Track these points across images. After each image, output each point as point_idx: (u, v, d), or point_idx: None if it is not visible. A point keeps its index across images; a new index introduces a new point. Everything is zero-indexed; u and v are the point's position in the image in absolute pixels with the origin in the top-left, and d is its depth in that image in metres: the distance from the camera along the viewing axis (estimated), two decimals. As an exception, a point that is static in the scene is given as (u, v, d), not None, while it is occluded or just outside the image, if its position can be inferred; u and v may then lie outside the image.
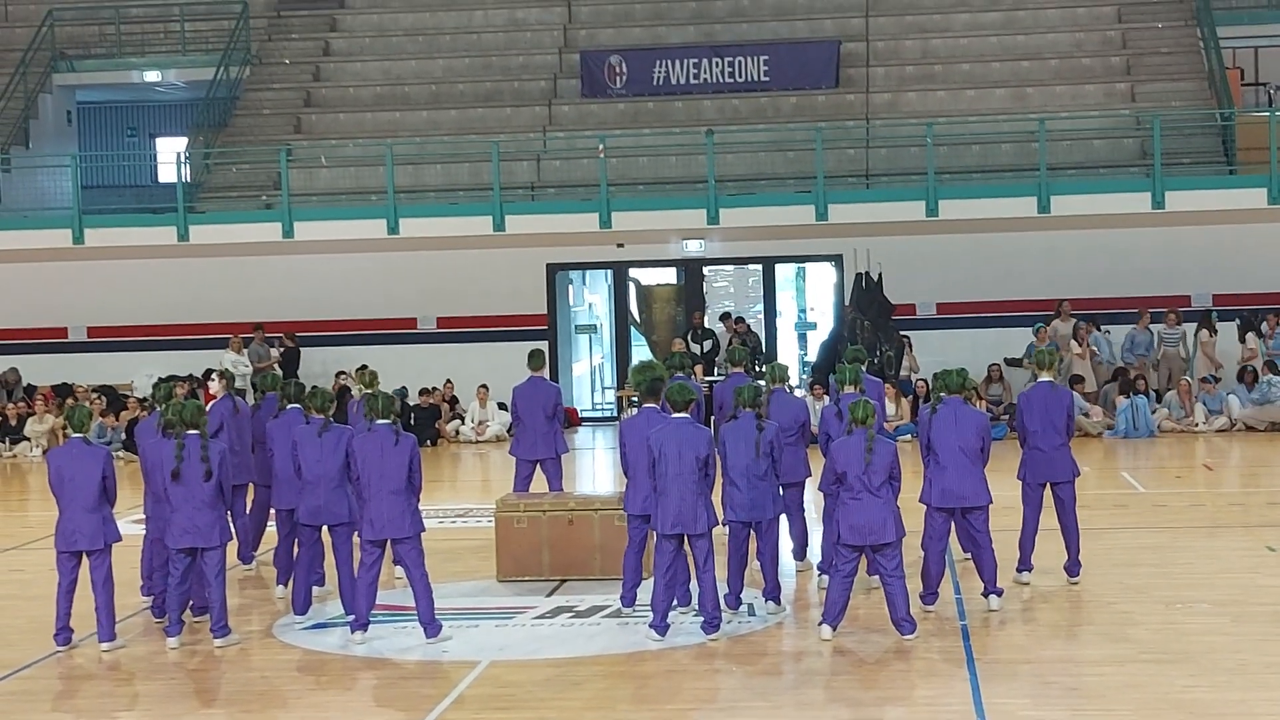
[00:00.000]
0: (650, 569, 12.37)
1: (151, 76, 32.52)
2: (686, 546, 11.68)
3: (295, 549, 12.98)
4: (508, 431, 23.85)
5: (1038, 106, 27.63)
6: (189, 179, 27.86)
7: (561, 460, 15.97)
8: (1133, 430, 23.71)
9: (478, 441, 25.52)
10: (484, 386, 25.74)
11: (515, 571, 13.78)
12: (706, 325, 27.24)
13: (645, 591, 12.21)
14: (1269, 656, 10.75)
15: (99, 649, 11.73)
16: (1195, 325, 25.45)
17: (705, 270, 28.48)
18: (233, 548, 13.42)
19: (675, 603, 11.90)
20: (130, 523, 15.04)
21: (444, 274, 27.37)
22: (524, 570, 13.75)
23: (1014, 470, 13.28)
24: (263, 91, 30.80)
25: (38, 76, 31.19)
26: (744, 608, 12.33)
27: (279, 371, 24.19)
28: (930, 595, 12.24)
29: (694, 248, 27.16)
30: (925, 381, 23.95)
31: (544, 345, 24.29)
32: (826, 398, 16.41)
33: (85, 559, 11.78)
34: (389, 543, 11.68)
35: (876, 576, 12.04)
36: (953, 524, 12.33)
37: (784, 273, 29.28)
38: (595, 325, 29.81)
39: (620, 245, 27.07)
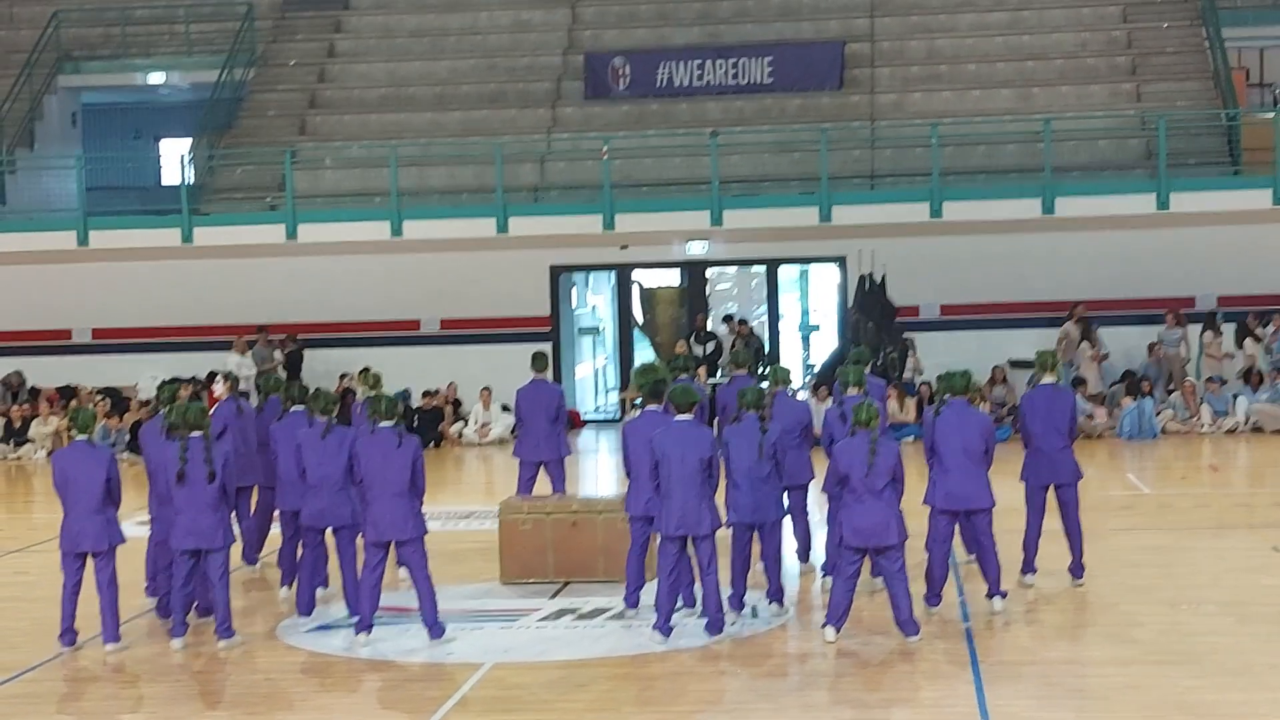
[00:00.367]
0: (654, 571, 12.37)
1: (156, 78, 32.53)
2: (690, 548, 11.68)
3: (299, 551, 12.99)
4: (511, 433, 23.84)
5: (1043, 107, 27.59)
6: (193, 181, 27.85)
7: (565, 462, 15.97)
8: (1137, 432, 23.70)
9: (481, 443, 25.52)
10: (487, 388, 25.73)
11: (519, 573, 13.78)
12: (709, 327, 27.24)
13: (649, 593, 12.21)
14: (1273, 657, 10.75)
15: (103, 651, 11.74)
16: (1200, 327, 25.42)
17: (708, 272, 28.47)
18: (237, 549, 13.45)
19: (679, 605, 11.90)
20: (134, 524, 15.03)
21: (447, 276, 27.36)
22: (528, 572, 13.75)
23: (1018, 472, 13.27)
24: (267, 93, 30.81)
25: (43, 78, 31.20)
26: (748, 610, 12.32)
27: (282, 374, 24.25)
28: (934, 597, 12.23)
29: (697, 249, 27.15)
30: (929, 384, 23.94)
31: (547, 347, 24.37)
32: (830, 399, 16.39)
33: (90, 561, 11.78)
34: (393, 545, 11.68)
35: (880, 579, 12.03)
36: (956, 526, 12.32)
37: (787, 275, 29.27)
38: (598, 327, 29.81)
39: (624, 247, 27.06)
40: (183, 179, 27.13)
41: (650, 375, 12.93)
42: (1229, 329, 25.40)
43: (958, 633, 11.66)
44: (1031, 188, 25.14)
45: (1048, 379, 13.22)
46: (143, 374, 27.17)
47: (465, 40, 31.38)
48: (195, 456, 11.63)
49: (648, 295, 28.69)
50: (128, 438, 24.51)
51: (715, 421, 16.97)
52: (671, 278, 28.75)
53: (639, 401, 12.84)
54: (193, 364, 26.72)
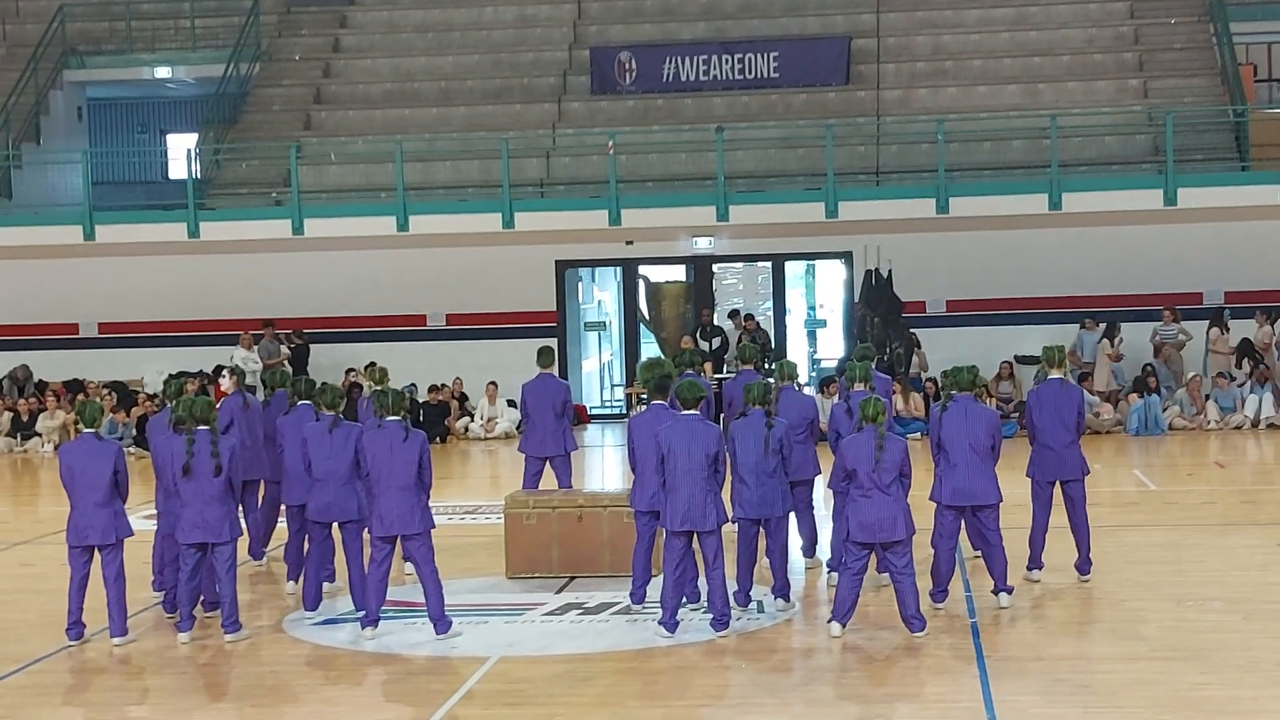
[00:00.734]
0: (659, 566, 12.37)
1: (162, 73, 32.57)
2: (696, 544, 11.67)
3: (306, 545, 13.00)
4: (517, 428, 23.81)
5: (1050, 103, 27.57)
6: (199, 175, 27.89)
7: (571, 457, 15.96)
8: (1144, 429, 23.70)
9: (487, 438, 25.52)
10: (493, 383, 25.75)
11: (525, 568, 13.78)
12: (715, 322, 27.23)
13: (654, 588, 12.20)
14: (1280, 654, 10.74)
15: (110, 643, 11.75)
16: (1207, 323, 25.39)
17: (714, 267, 28.45)
18: (243, 543, 13.46)
19: (684, 600, 11.90)
20: (141, 518, 15.06)
21: (453, 271, 27.37)
22: (533, 567, 13.75)
23: (1024, 468, 13.26)
24: (273, 88, 30.82)
25: (48, 72, 31.22)
26: (753, 605, 12.31)
27: (289, 368, 24.26)
28: (940, 593, 12.22)
29: (703, 245, 27.15)
30: (934, 381, 23.93)
31: (553, 342, 24.35)
32: (836, 395, 16.39)
33: (97, 554, 11.80)
34: (399, 539, 11.69)
35: (886, 574, 12.02)
36: (963, 522, 12.32)
37: (793, 270, 29.25)
38: (604, 322, 29.80)
39: (629, 242, 27.06)
40: (189, 173, 27.15)
41: (656, 370, 12.92)
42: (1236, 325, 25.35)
43: (964, 628, 11.65)
44: (1038, 183, 25.13)
45: (1054, 374, 13.21)
46: (149, 368, 27.20)
47: (470, 35, 31.38)
48: (202, 450, 11.64)
49: (654, 290, 28.68)
50: (134, 432, 24.53)
51: (721, 417, 16.96)
52: (677, 273, 28.73)
53: (645, 397, 12.85)
54: (199, 358, 26.75)
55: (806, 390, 16.66)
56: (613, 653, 11.33)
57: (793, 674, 10.91)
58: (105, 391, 26.23)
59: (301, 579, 13.02)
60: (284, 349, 26.52)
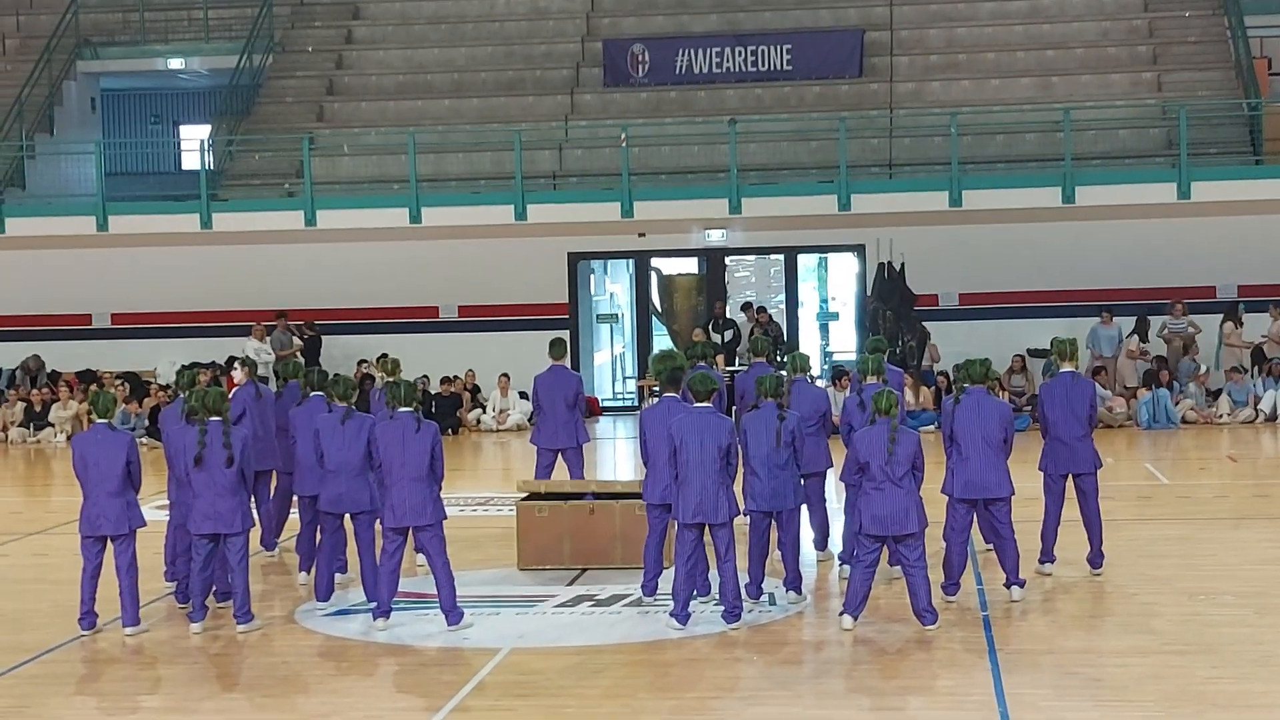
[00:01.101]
0: (671, 558, 12.38)
1: (175, 64, 32.59)
2: (707, 536, 11.67)
3: (318, 536, 13.02)
4: (529, 420, 23.88)
5: (1063, 96, 27.52)
6: (212, 166, 27.93)
7: (583, 449, 15.96)
8: (1154, 422, 23.67)
9: (499, 430, 25.54)
10: (505, 375, 25.77)
11: (536, 560, 13.79)
12: (728, 315, 27.22)
13: (666, 581, 12.21)
14: (1292, 648, 10.72)
15: (123, 633, 11.78)
16: (1221, 317, 25.36)
17: (727, 260, 28.46)
18: (256, 534, 13.48)
19: (696, 592, 11.90)
20: (154, 508, 15.10)
21: (466, 263, 27.39)
22: (545, 559, 13.76)
23: (1037, 461, 13.24)
24: (285, 79, 30.84)
25: (62, 64, 31.27)
26: (765, 597, 12.31)
27: (301, 359, 24.28)
28: (952, 586, 12.21)
29: (716, 237, 27.14)
30: (946, 374, 23.90)
31: (565, 334, 24.39)
32: (849, 388, 16.37)
33: (110, 544, 11.82)
34: (411, 530, 11.70)
35: (898, 567, 12.02)
36: (975, 515, 12.30)
37: (806, 263, 29.25)
38: (616, 314, 29.81)
39: (642, 235, 27.06)
40: (201, 165, 27.21)
41: (668, 362, 12.92)
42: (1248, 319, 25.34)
43: (975, 621, 11.64)
44: (1051, 176, 25.08)
45: (1067, 368, 13.19)
46: (162, 359, 27.26)
47: (483, 27, 31.38)
48: (214, 441, 11.66)
49: (666, 283, 28.69)
50: (147, 422, 24.59)
51: (733, 409, 16.95)
52: (690, 265, 28.74)
53: (657, 389, 12.83)
54: (212, 349, 26.79)
55: (819, 383, 16.63)
56: (624, 645, 11.33)
57: (804, 666, 10.91)
58: (118, 382, 26.27)
59: (313, 570, 13.03)
60: (296, 340, 26.56)
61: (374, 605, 11.91)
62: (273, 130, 29.32)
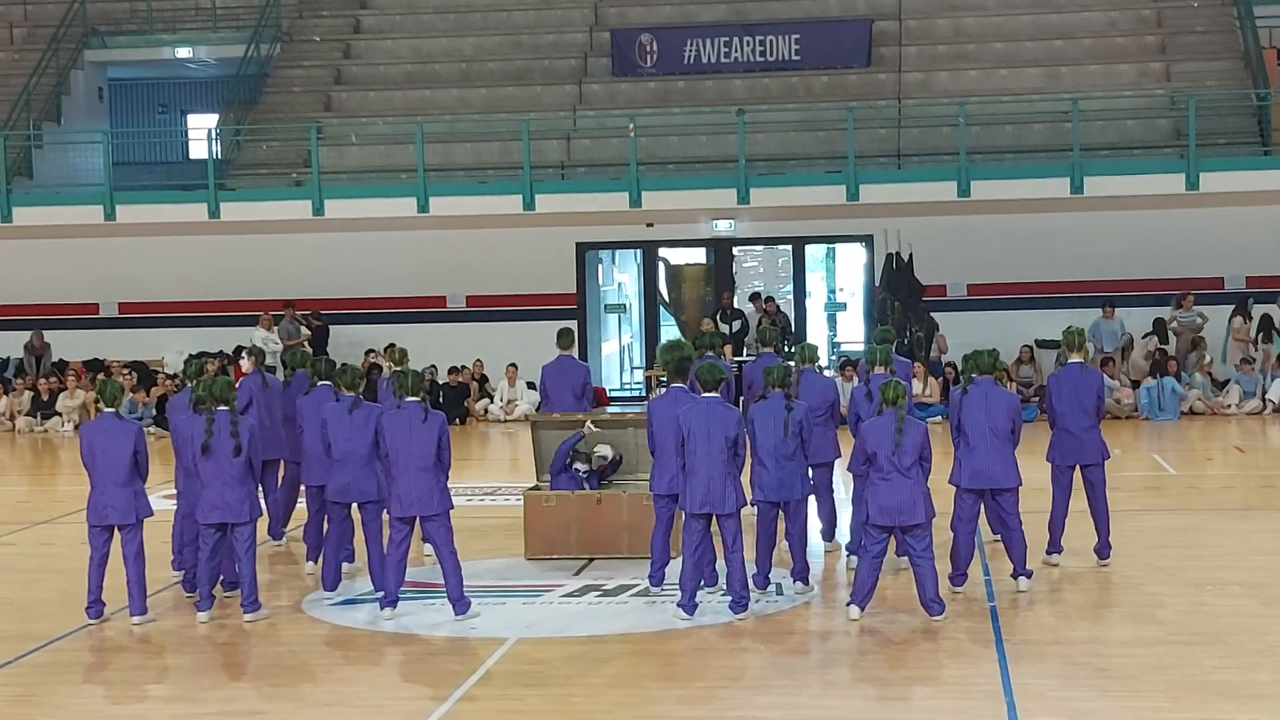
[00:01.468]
0: (678, 548, 12.38)
1: (183, 53, 32.61)
2: (715, 526, 11.67)
3: (325, 526, 13.03)
4: (536, 410, 23.85)
5: (1071, 86, 27.47)
6: (220, 156, 27.93)
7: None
8: (1157, 411, 23.65)
9: (506, 420, 25.55)
10: (513, 365, 25.78)
11: (543, 549, 13.80)
12: (736, 305, 27.21)
13: (673, 571, 12.21)
14: (1299, 639, 10.72)
15: (130, 622, 11.80)
16: (1231, 309, 25.31)
17: (735, 250, 28.44)
18: (263, 523, 13.49)
19: (703, 582, 11.90)
20: (161, 498, 15.13)
21: (473, 252, 27.38)
22: (552, 548, 13.77)
23: (1044, 452, 13.24)
24: (293, 69, 30.85)
25: (69, 53, 31.29)
26: (772, 587, 12.32)
27: (309, 349, 24.30)
28: (959, 576, 12.21)
29: (724, 227, 27.12)
30: (954, 365, 23.88)
31: (573, 324, 24.30)
32: (856, 378, 16.37)
33: (117, 533, 11.83)
34: (418, 520, 11.71)
35: (905, 557, 12.02)
36: (982, 505, 12.30)
37: (814, 253, 29.21)
38: (624, 304, 29.80)
39: (650, 225, 27.04)
40: (209, 154, 27.19)
41: (676, 353, 12.91)
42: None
43: (982, 612, 11.64)
44: (1060, 167, 25.05)
45: (1075, 358, 13.17)
46: (169, 348, 27.28)
47: (491, 17, 31.37)
48: (221, 430, 11.67)
49: (674, 272, 28.68)
50: (154, 411, 24.61)
51: (741, 399, 16.96)
52: (698, 255, 28.73)
53: (665, 379, 12.83)
54: (219, 339, 26.83)
55: (826, 373, 16.61)
56: (631, 634, 11.34)
57: (810, 656, 10.92)
58: (125, 371, 26.30)
59: (320, 559, 13.05)
60: (304, 330, 26.57)
61: (381, 594, 11.93)
62: (280, 120, 29.33)
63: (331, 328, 27.06)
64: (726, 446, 11.44)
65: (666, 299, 28.67)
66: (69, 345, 27.80)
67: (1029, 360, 25.26)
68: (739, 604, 11.55)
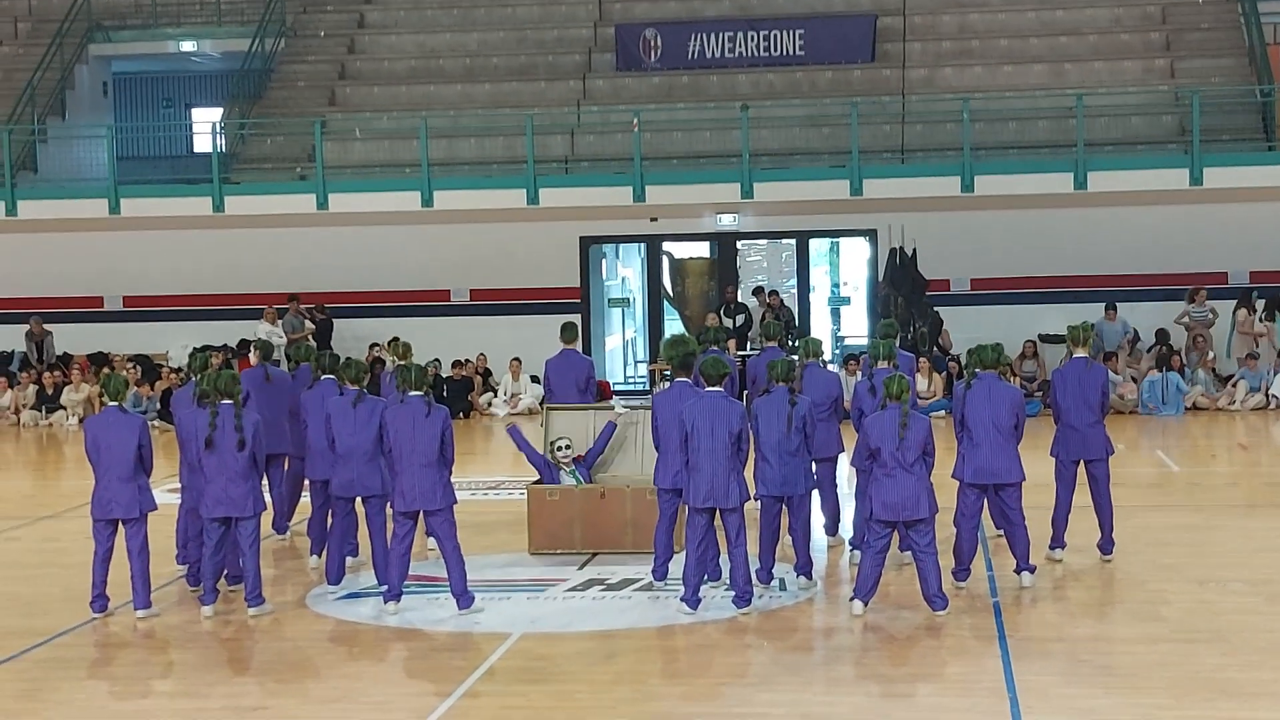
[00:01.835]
0: (682, 543, 12.39)
1: (187, 47, 32.61)
2: (718, 521, 11.68)
3: (329, 520, 13.04)
4: (540, 404, 23.88)
5: (1076, 83, 27.45)
6: (224, 150, 27.93)
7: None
8: (1160, 404, 23.65)
9: (510, 414, 25.55)
10: (517, 359, 25.78)
11: (547, 544, 13.81)
12: (739, 300, 27.21)
13: (677, 566, 12.22)
14: (1302, 636, 10.71)
15: (134, 617, 11.81)
16: (1234, 303, 25.30)
17: (739, 244, 28.44)
18: (267, 518, 13.50)
19: (707, 577, 11.91)
20: (165, 492, 15.12)
21: (477, 247, 27.39)
22: (556, 543, 13.78)
23: (1048, 447, 13.24)
24: (297, 64, 30.85)
25: (74, 47, 31.27)
26: (775, 583, 12.33)
27: (313, 343, 24.32)
28: (962, 572, 12.21)
29: (728, 222, 27.12)
30: (957, 360, 23.88)
31: (577, 318, 24.35)
32: (859, 373, 16.38)
33: (121, 527, 11.84)
34: (421, 514, 11.71)
35: (909, 553, 12.02)
36: (985, 501, 12.30)
37: (818, 247, 29.22)
38: (628, 299, 29.81)
39: (654, 219, 27.04)
40: (214, 148, 27.19)
41: (680, 347, 12.92)
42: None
43: (986, 608, 11.64)
44: (1064, 163, 25.02)
45: (1080, 353, 13.18)
46: (174, 342, 27.29)
47: (495, 12, 31.35)
48: (225, 424, 11.67)
49: (678, 267, 28.68)
50: (159, 405, 24.63)
51: (745, 394, 16.95)
52: (702, 250, 28.73)
53: (669, 373, 12.83)
54: (223, 332, 26.83)
55: (830, 368, 16.61)
56: (634, 630, 11.35)
57: (814, 652, 10.93)
58: (130, 365, 26.32)
59: (325, 554, 13.06)
60: (308, 324, 26.58)
61: (385, 589, 11.93)
62: (285, 114, 29.34)
63: (335, 322, 27.06)
64: (730, 441, 11.44)
65: (670, 293, 28.67)
66: (73, 339, 27.82)
67: (1032, 355, 25.26)
68: (742, 599, 11.56)
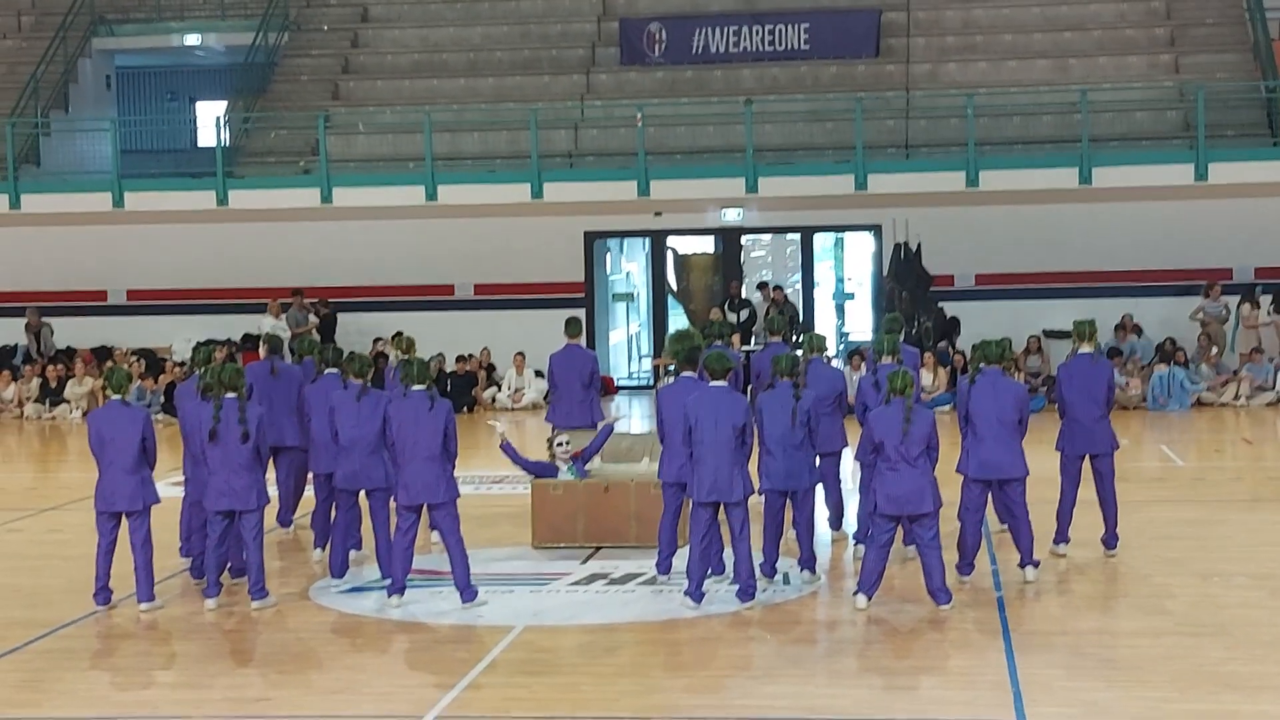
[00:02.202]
0: (685, 537, 12.38)
1: (191, 40, 32.60)
2: (722, 515, 11.67)
3: (333, 513, 13.03)
4: (544, 399, 23.88)
5: (1080, 78, 27.43)
6: (228, 144, 27.92)
7: (597, 428, 15.93)
8: (1166, 397, 23.62)
9: (514, 409, 25.55)
10: (521, 354, 25.77)
11: (550, 538, 13.80)
12: (744, 294, 27.20)
13: (680, 559, 12.22)
14: (1307, 631, 10.70)
15: (137, 609, 11.81)
16: (1239, 299, 25.29)
17: (743, 239, 28.43)
18: (271, 510, 13.50)
19: (710, 571, 11.90)
20: (169, 485, 15.13)
21: (481, 241, 27.39)
22: (559, 537, 13.77)
23: (1053, 442, 13.23)
24: (301, 58, 30.83)
25: (77, 40, 31.27)
26: (779, 576, 12.32)
27: (316, 336, 24.31)
28: (966, 566, 12.21)
29: (732, 217, 27.11)
30: (963, 355, 23.87)
31: (581, 313, 24.38)
32: (864, 367, 16.38)
33: (125, 520, 11.84)
34: (425, 508, 11.71)
35: (913, 547, 12.01)
36: (990, 495, 12.29)
37: (822, 242, 29.20)
38: (632, 293, 29.81)
39: (658, 214, 27.03)
40: (217, 142, 27.19)
41: (685, 342, 12.91)
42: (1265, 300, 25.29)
43: (989, 602, 11.64)
44: (1068, 158, 25.00)
45: (1085, 349, 13.17)
46: (177, 335, 27.29)
47: (499, 6, 31.33)
48: (229, 417, 11.66)
49: (682, 262, 28.67)
50: (162, 399, 24.64)
51: (749, 388, 16.95)
52: (706, 244, 28.72)
53: (673, 368, 12.83)
54: (227, 326, 26.86)
55: (834, 363, 16.61)
56: (638, 623, 11.34)
57: (817, 646, 10.92)
58: (133, 358, 26.33)
59: (328, 547, 13.06)
60: (312, 318, 26.58)
61: (388, 582, 11.94)
62: (288, 108, 29.33)
63: (339, 315, 27.06)
64: (734, 435, 11.43)
65: (674, 288, 28.67)
66: (77, 332, 27.83)
67: (1037, 350, 25.25)
68: (746, 593, 11.55)
